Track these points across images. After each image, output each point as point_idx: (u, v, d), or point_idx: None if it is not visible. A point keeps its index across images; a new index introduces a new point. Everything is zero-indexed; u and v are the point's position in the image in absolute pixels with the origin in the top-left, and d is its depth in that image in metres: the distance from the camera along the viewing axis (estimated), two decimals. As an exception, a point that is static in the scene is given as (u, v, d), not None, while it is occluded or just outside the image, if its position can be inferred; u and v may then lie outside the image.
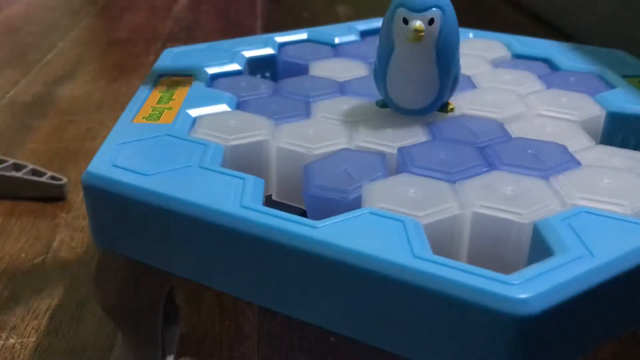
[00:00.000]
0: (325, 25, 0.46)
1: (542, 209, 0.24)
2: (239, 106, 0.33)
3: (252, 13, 0.98)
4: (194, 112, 0.32)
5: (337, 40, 0.43)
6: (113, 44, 0.91)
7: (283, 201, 0.30)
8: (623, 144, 0.32)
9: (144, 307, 0.30)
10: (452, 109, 0.32)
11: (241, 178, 0.25)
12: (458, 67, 0.31)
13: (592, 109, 0.32)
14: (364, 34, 0.45)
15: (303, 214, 0.25)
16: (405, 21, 0.28)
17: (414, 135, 0.30)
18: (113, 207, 0.26)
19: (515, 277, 0.19)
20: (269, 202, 0.28)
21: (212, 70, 0.37)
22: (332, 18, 0.96)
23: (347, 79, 0.37)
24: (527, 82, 0.36)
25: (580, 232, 0.22)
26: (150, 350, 0.31)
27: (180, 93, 0.34)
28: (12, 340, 0.37)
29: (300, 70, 0.39)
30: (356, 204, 0.25)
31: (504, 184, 0.25)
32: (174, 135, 0.29)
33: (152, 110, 0.32)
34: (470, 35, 0.44)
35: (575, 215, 0.23)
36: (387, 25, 0.29)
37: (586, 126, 0.31)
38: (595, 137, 0.32)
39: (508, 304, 0.19)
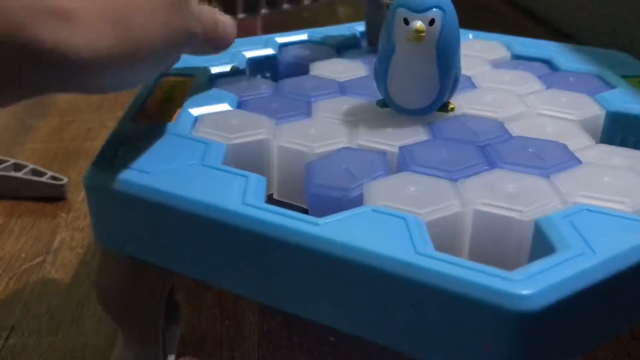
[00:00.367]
0: (325, 27, 0.46)
1: (543, 206, 0.24)
2: (240, 106, 0.34)
3: (252, 14, 0.98)
4: (195, 111, 0.32)
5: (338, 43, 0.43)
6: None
7: (284, 200, 0.30)
8: (623, 144, 0.32)
9: (145, 306, 0.30)
10: (452, 109, 0.32)
11: (243, 176, 0.25)
12: (458, 67, 0.31)
13: (592, 109, 0.33)
14: (365, 35, 0.45)
15: (305, 213, 0.25)
16: (406, 21, 0.28)
17: (415, 135, 0.30)
18: (115, 205, 0.26)
19: (517, 274, 0.20)
20: (270, 201, 0.28)
21: (212, 70, 0.37)
22: (332, 18, 0.96)
23: (348, 79, 0.37)
24: (527, 82, 0.36)
25: (581, 230, 0.22)
26: (151, 349, 0.31)
27: (181, 93, 0.34)
28: (12, 340, 0.37)
29: (301, 70, 0.39)
30: (358, 202, 0.25)
31: (505, 182, 0.25)
32: (176, 134, 0.29)
33: (153, 110, 0.32)
34: (470, 36, 0.45)
35: (576, 213, 0.23)
36: (388, 25, 0.29)
37: (586, 126, 0.32)
38: (595, 137, 0.32)
39: (510, 300, 0.19)
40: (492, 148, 0.28)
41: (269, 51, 0.41)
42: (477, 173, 0.26)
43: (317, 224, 0.22)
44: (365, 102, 0.33)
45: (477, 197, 0.24)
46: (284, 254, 0.22)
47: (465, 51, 0.40)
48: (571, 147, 0.29)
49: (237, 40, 0.42)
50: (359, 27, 0.45)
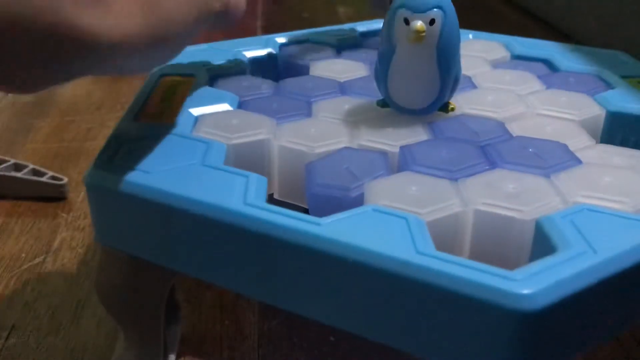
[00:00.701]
0: (325, 27, 0.46)
1: (544, 206, 0.24)
2: (240, 106, 0.34)
3: (252, 13, 0.98)
4: (196, 111, 0.32)
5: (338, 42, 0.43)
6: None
7: (285, 200, 0.30)
8: (623, 143, 0.32)
9: (146, 305, 0.30)
10: (452, 109, 0.32)
11: (244, 176, 0.26)
12: (459, 68, 0.31)
13: (592, 109, 0.33)
14: (365, 35, 0.45)
15: (305, 212, 0.25)
16: (407, 21, 0.28)
17: (416, 134, 0.30)
18: (116, 204, 0.26)
19: (518, 273, 0.20)
20: (271, 201, 0.28)
21: (213, 71, 0.37)
22: (333, 19, 0.96)
23: (348, 79, 0.37)
24: (527, 82, 0.36)
25: (582, 229, 0.22)
26: (152, 349, 0.31)
27: (182, 93, 0.34)
28: (12, 340, 0.37)
29: (301, 70, 0.39)
30: (358, 201, 0.25)
31: (506, 182, 0.25)
32: (177, 133, 0.29)
33: (153, 110, 0.32)
34: (470, 36, 0.45)
35: (577, 213, 0.23)
36: (388, 25, 0.29)
37: (586, 125, 0.32)
38: (595, 137, 0.32)
39: (511, 299, 0.19)
40: (492, 148, 0.28)
41: (269, 51, 0.41)
42: (478, 173, 0.26)
43: (318, 224, 0.22)
44: (366, 102, 0.33)
45: (478, 196, 0.24)
46: (285, 254, 0.23)
47: (465, 51, 0.40)
48: (571, 147, 0.29)
49: (238, 41, 0.42)
50: (359, 27, 0.45)
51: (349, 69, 0.38)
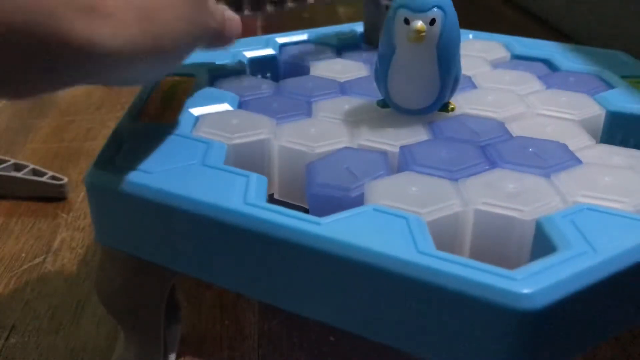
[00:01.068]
0: (325, 27, 0.46)
1: (544, 206, 0.24)
2: (240, 106, 0.34)
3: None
4: (196, 111, 0.32)
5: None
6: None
7: (285, 200, 0.30)
8: (623, 143, 0.33)
9: (147, 305, 0.30)
10: (453, 109, 0.32)
11: (245, 175, 0.26)
12: (459, 68, 0.31)
13: (592, 109, 0.33)
14: (364, 35, 0.45)
15: (306, 212, 0.25)
16: (407, 21, 0.28)
17: (416, 134, 0.30)
18: (116, 204, 0.26)
19: (518, 273, 0.20)
20: (271, 201, 0.28)
21: (213, 70, 0.37)
22: (333, 19, 0.96)
23: (348, 79, 0.37)
24: (527, 82, 0.36)
25: (582, 229, 0.22)
26: (152, 348, 0.31)
27: (182, 93, 0.34)
28: (12, 340, 0.37)
29: (301, 70, 0.39)
30: (359, 201, 0.25)
31: (506, 182, 0.25)
32: (177, 133, 0.29)
33: (154, 110, 0.32)
34: (470, 36, 0.45)
35: (577, 212, 0.23)
36: (388, 25, 0.29)
37: (586, 125, 0.32)
38: (595, 136, 0.32)
39: (512, 298, 0.19)
40: (492, 148, 0.28)
41: (270, 51, 0.41)
42: (478, 173, 0.26)
43: (318, 224, 0.22)
44: (366, 102, 0.33)
45: (478, 196, 0.24)
46: (286, 254, 0.23)
47: (465, 51, 0.40)
48: (571, 147, 0.29)
49: (238, 40, 0.42)
50: (359, 27, 0.45)
51: (349, 69, 0.38)
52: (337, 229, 0.22)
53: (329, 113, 0.32)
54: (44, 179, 0.51)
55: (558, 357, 0.21)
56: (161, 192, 0.25)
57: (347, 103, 0.33)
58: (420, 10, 0.28)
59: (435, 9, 0.28)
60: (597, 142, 0.30)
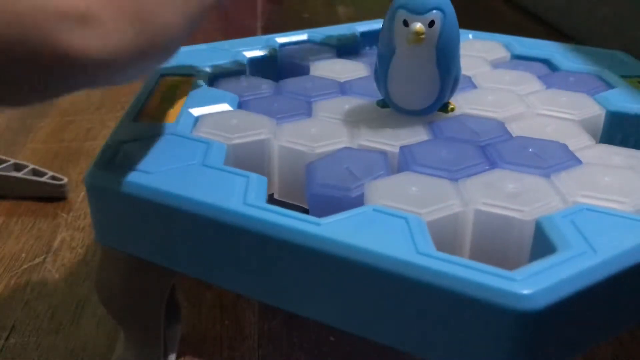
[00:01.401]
0: (325, 26, 0.46)
1: (544, 206, 0.24)
2: (240, 106, 0.34)
3: (252, 13, 0.98)
4: (196, 112, 0.32)
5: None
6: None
7: (285, 200, 0.30)
8: (622, 143, 0.33)
9: (147, 305, 0.30)
10: (452, 109, 0.32)
11: (244, 176, 0.26)
12: (459, 68, 0.31)
13: (592, 109, 0.33)
14: (365, 35, 0.45)
15: (306, 213, 0.25)
16: (406, 23, 0.28)
17: (416, 134, 0.30)
18: (116, 205, 0.26)
19: (518, 273, 0.20)
20: (271, 201, 0.28)
21: (213, 70, 0.37)
22: (333, 19, 0.96)
23: (348, 79, 0.37)
24: (526, 82, 0.36)
25: (582, 229, 0.22)
26: (152, 348, 0.31)
27: (182, 93, 0.34)
28: (12, 340, 0.37)
29: (301, 70, 0.39)
30: (359, 202, 0.25)
31: (506, 182, 0.25)
32: (177, 134, 0.29)
33: (153, 110, 0.32)
34: (470, 36, 0.45)
35: (577, 213, 0.23)
36: (388, 26, 0.29)
37: (586, 125, 0.32)
38: (595, 136, 0.32)
39: (512, 299, 0.19)
40: (492, 148, 0.28)
41: (269, 51, 0.41)
42: (478, 173, 0.26)
43: (318, 224, 0.22)
44: (366, 102, 0.33)
45: (478, 196, 0.24)
46: (285, 254, 0.23)
47: (465, 51, 0.40)
48: (571, 147, 0.29)
49: (238, 41, 0.42)
50: (359, 27, 0.45)
51: (349, 69, 0.38)
52: (336, 229, 0.22)
53: (329, 113, 0.32)
54: (44, 179, 0.51)
55: (558, 358, 0.21)
56: (161, 192, 0.25)
57: (347, 103, 0.33)
58: (419, 12, 0.28)
59: (434, 11, 0.28)
60: (597, 142, 0.30)
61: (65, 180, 0.51)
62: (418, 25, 0.28)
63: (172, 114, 0.31)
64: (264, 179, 0.26)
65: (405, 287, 0.20)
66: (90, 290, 0.41)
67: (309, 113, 0.33)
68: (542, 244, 0.22)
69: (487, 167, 0.27)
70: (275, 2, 1.01)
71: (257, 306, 0.40)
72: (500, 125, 0.31)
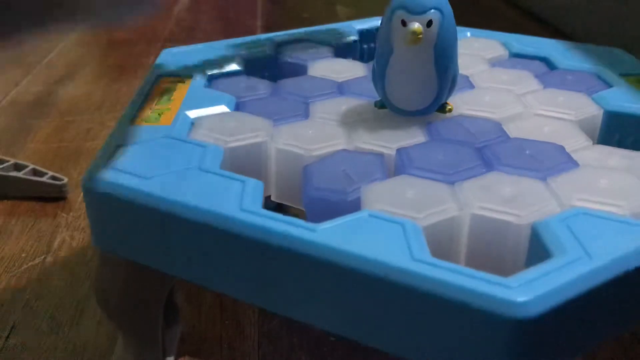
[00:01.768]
0: (323, 24, 0.46)
1: (540, 210, 0.24)
2: (238, 107, 0.34)
3: (252, 13, 0.98)
4: (193, 114, 0.32)
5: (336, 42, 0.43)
6: (114, 44, 0.91)
7: (282, 202, 0.30)
8: (620, 143, 0.32)
9: (144, 308, 0.30)
10: (450, 110, 0.32)
11: (241, 181, 0.25)
12: (456, 68, 0.31)
13: (590, 109, 0.32)
14: (363, 33, 0.45)
15: (303, 214, 0.25)
16: (404, 23, 0.28)
17: (413, 136, 0.30)
18: (113, 209, 0.26)
19: (513, 280, 0.20)
20: (268, 202, 0.28)
21: (210, 71, 0.37)
22: (332, 18, 0.96)
23: (346, 79, 0.37)
24: (524, 81, 0.36)
25: (578, 234, 0.22)
26: (150, 350, 0.32)
27: (179, 94, 0.34)
28: (12, 340, 0.37)
29: (299, 70, 0.39)
30: (355, 205, 0.25)
31: (502, 185, 0.25)
32: (173, 137, 0.29)
33: (151, 112, 0.32)
34: (468, 34, 0.44)
35: (573, 217, 0.23)
36: (386, 26, 0.29)
37: (583, 126, 0.31)
38: (592, 137, 0.32)
39: (507, 306, 0.19)
40: (489, 150, 0.28)
41: (268, 51, 0.41)
42: (475, 176, 0.26)
43: (314, 230, 0.22)
44: (364, 102, 0.33)
45: (474, 200, 0.24)
46: (281, 260, 0.23)
47: (463, 50, 0.39)
48: (568, 148, 0.29)
49: (236, 40, 0.42)
50: (358, 25, 0.45)
51: (347, 68, 0.38)
52: (332, 235, 0.22)
53: (326, 114, 0.32)
54: (44, 179, 0.51)
55: (553, 363, 0.21)
56: (157, 198, 0.25)
57: (345, 104, 0.33)
58: (417, 12, 0.28)
59: (432, 11, 0.28)
60: (594, 142, 0.30)
61: (66, 180, 0.51)
62: (416, 25, 0.28)
63: (170, 116, 0.31)
64: (261, 183, 0.26)
65: (401, 294, 0.20)
66: (90, 290, 0.41)
67: (306, 114, 0.33)
68: (538, 249, 0.22)
69: (484, 170, 0.27)
70: (274, 2, 1.01)
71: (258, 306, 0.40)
72: (498, 126, 0.31)
